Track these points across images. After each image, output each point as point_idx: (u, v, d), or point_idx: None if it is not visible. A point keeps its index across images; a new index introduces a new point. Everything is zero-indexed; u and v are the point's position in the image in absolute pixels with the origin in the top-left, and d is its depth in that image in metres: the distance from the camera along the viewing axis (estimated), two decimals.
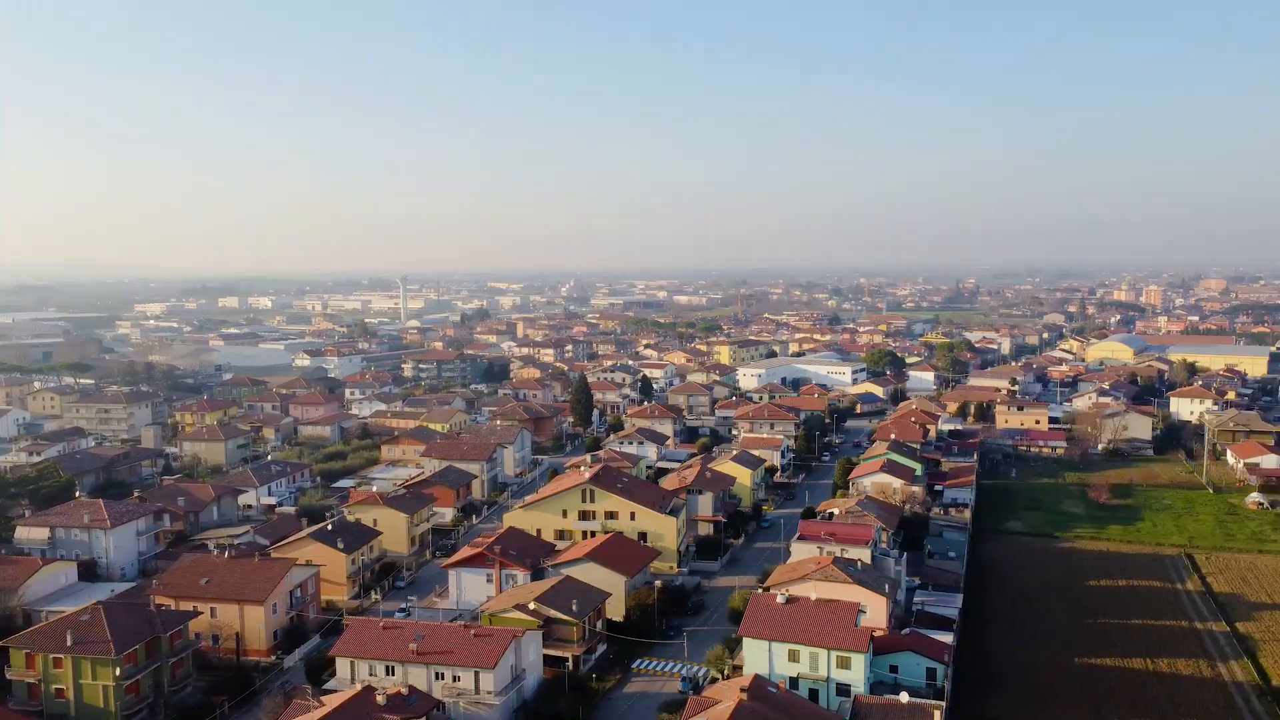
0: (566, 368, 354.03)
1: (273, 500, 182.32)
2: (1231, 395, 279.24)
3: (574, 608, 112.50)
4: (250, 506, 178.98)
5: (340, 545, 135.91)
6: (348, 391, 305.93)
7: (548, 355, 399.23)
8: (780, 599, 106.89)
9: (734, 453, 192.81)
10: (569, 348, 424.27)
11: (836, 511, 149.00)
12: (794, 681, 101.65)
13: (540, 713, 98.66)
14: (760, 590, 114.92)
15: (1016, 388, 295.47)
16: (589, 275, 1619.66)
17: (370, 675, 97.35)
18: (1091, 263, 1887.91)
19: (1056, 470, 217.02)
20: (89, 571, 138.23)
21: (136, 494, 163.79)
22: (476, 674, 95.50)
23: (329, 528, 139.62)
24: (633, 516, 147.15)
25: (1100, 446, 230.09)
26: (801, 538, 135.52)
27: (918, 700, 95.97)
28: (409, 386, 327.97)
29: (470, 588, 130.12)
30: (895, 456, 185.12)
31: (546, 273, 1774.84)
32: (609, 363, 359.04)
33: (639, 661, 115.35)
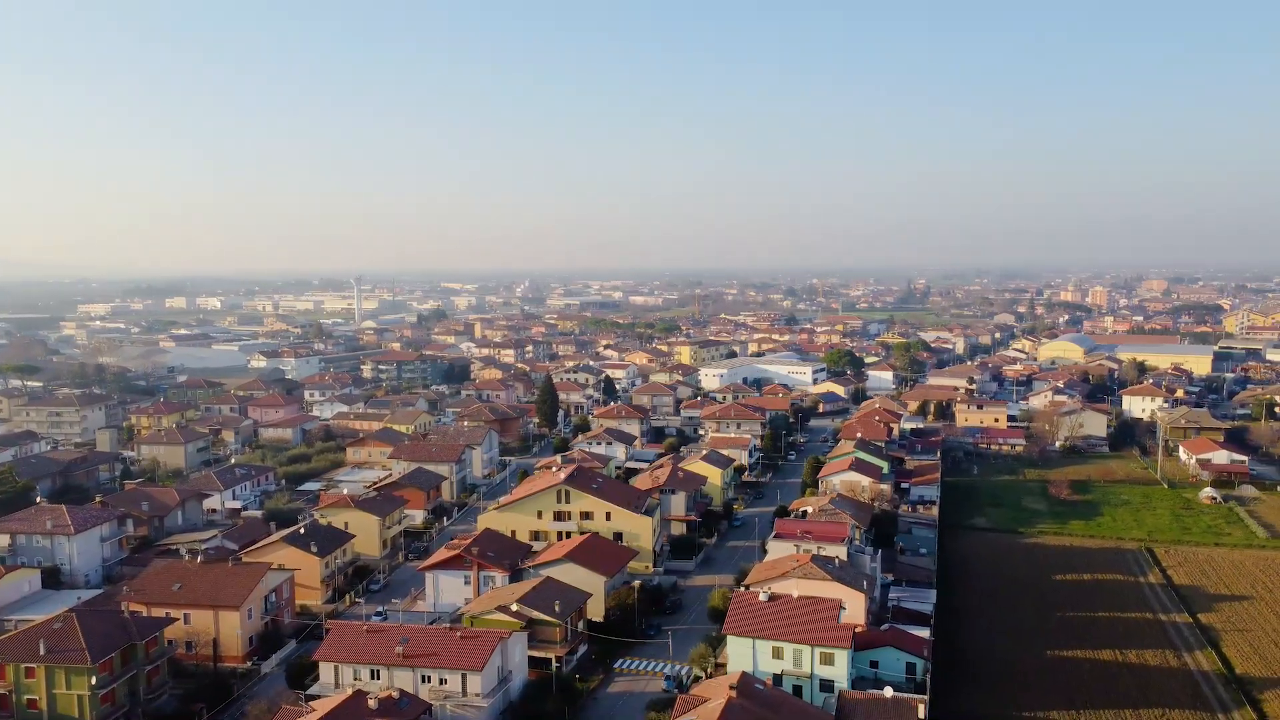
0: (529, 368, 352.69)
1: (238, 504, 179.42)
2: (1180, 393, 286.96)
3: (556, 608, 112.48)
4: (214, 511, 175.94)
5: (313, 549, 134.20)
6: (307, 393, 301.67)
7: (508, 356, 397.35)
8: (763, 597, 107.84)
9: (704, 452, 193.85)
10: (529, 348, 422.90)
11: (810, 509, 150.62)
12: (778, 678, 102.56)
13: (527, 714, 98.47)
14: (742, 588, 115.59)
15: (974, 387, 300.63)
16: (543, 275, 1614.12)
17: (355, 680, 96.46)
18: (1036, 263, 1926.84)
19: (1016, 467, 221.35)
20: (52, 579, 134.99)
21: (99, 499, 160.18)
22: (464, 676, 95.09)
23: (301, 531, 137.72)
24: (608, 517, 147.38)
25: (1058, 444, 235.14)
26: (778, 536, 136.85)
27: (901, 695, 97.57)
28: (369, 388, 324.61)
29: (448, 590, 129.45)
30: (862, 455, 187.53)
31: (500, 273, 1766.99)
32: (571, 363, 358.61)
33: (621, 661, 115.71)
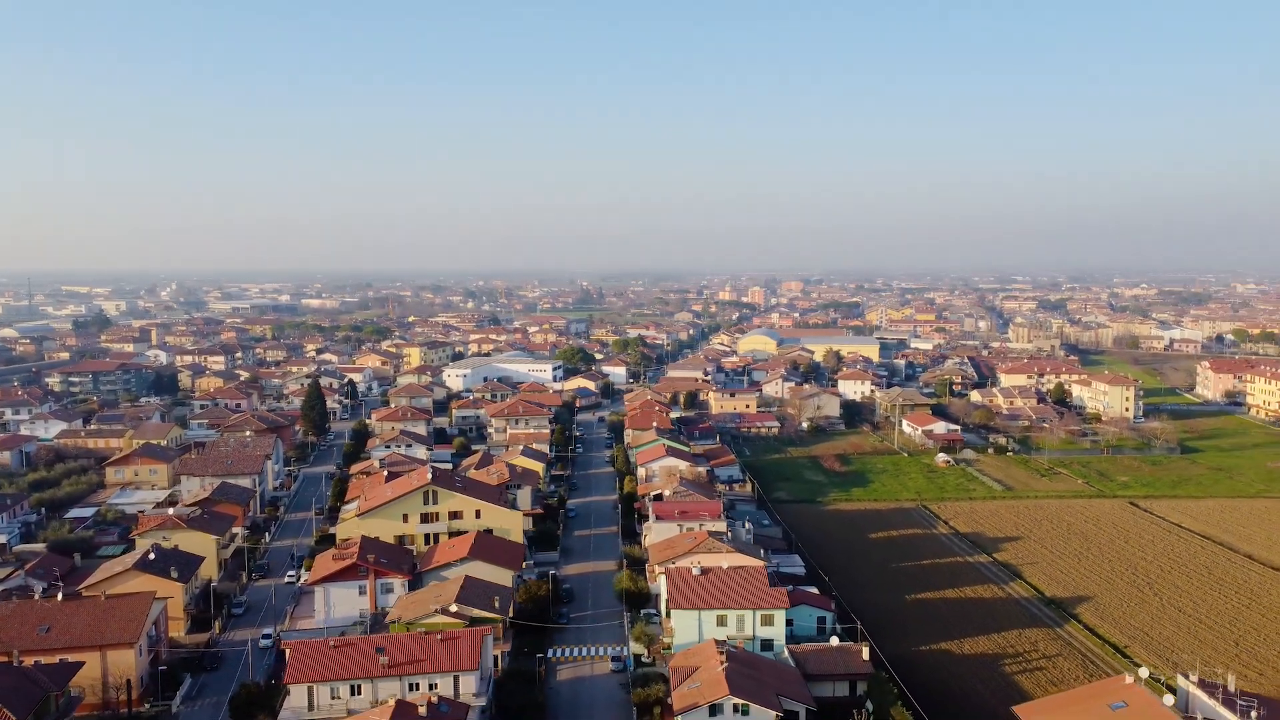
0: (252, 374, 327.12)
1: (0, 538, 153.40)
2: (873, 376, 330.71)
3: (495, 604, 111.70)
4: None
5: (174, 575, 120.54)
6: None
7: (217, 363, 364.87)
8: (695, 571, 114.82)
9: (520, 448, 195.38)
10: (239, 354, 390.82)
11: (665, 493, 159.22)
12: (721, 643, 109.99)
13: (508, 708, 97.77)
14: (672, 565, 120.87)
15: (709, 378, 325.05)
16: (185, 277, 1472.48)
17: (333, 698, 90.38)
18: (682, 267, 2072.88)
19: (778, 446, 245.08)
20: None
21: None
22: (456, 678, 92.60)
23: (151, 556, 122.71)
24: (478, 514, 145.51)
25: (804, 425, 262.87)
26: (659, 517, 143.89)
27: (845, 643, 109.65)
28: (67, 403, 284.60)
29: (341, 603, 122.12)
30: (670, 442, 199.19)
31: (126, 274, 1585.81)
32: (301, 369, 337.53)
33: (551, 651, 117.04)
